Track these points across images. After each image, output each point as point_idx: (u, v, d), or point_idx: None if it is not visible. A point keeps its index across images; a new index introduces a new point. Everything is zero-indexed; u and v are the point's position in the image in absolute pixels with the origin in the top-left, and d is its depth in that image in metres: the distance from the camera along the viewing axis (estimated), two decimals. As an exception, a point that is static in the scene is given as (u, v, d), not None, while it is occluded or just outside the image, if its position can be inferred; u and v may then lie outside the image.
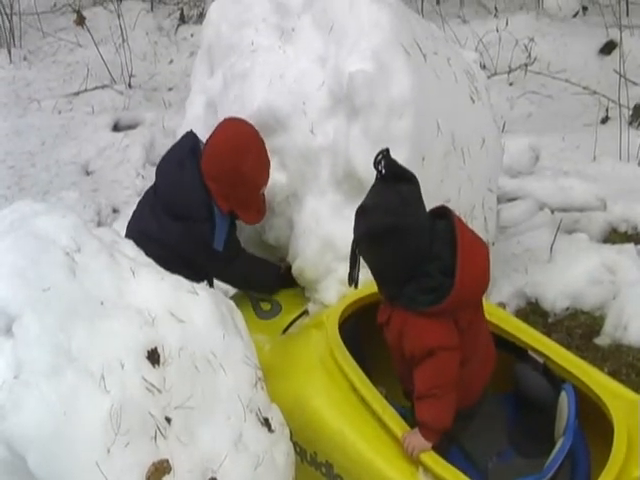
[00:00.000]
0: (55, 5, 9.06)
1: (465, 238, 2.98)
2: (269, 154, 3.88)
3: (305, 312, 3.88)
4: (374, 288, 3.25)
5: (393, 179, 2.91)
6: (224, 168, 3.73)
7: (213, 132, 3.85)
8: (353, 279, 3.11)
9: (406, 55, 3.82)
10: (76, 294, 2.75)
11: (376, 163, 2.92)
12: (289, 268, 3.97)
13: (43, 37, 8.51)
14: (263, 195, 3.94)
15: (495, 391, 3.41)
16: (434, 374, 3.01)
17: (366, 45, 3.79)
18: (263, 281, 4.03)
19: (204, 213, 3.77)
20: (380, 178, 2.94)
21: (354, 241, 3.02)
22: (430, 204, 3.59)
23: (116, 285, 2.87)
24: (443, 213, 3.08)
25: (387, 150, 2.91)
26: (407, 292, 2.98)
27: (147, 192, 4.02)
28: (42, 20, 8.65)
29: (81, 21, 8.07)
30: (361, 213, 2.97)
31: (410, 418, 3.18)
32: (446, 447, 3.16)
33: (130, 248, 3.17)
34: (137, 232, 3.74)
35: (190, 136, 3.93)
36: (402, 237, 2.90)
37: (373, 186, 2.98)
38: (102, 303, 2.79)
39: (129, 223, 3.97)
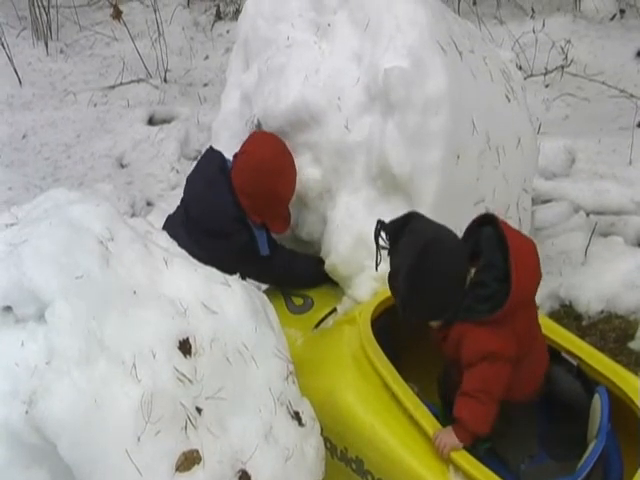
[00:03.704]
0: (92, -1, 9.13)
1: (514, 241, 2.99)
2: (303, 149, 3.89)
3: (334, 310, 3.87)
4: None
5: (398, 235, 3.01)
6: (261, 189, 3.79)
7: (244, 147, 3.90)
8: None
9: (442, 53, 3.80)
10: (109, 283, 2.75)
11: (377, 236, 3.04)
12: None
13: (80, 30, 8.55)
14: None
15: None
16: (485, 378, 3.00)
17: (402, 42, 3.76)
18: (304, 276, 4.04)
19: (239, 226, 3.81)
20: (391, 245, 3.04)
21: (400, 297, 3.08)
22: (465, 203, 3.60)
23: (149, 275, 2.87)
24: (488, 220, 3.09)
25: (379, 221, 3.05)
26: (465, 304, 3.00)
27: (176, 212, 4.04)
28: (79, 14, 8.70)
29: (118, 15, 8.09)
30: (396, 271, 3.02)
31: (442, 416, 3.16)
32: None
33: (164, 239, 3.17)
34: None
35: (215, 154, 3.97)
36: (442, 251, 2.97)
37: (390, 252, 3.05)
38: (135, 292, 2.78)
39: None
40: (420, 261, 2.93)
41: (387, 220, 3.07)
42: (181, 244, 3.54)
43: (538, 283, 3.10)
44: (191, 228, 3.81)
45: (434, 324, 3.15)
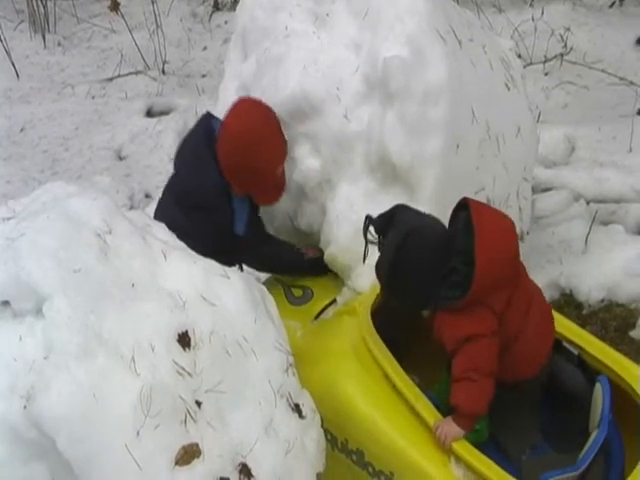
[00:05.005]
0: (90, -9, 9.09)
1: (482, 223, 3.02)
2: (302, 139, 3.87)
3: (334, 301, 3.86)
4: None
5: (387, 227, 3.08)
6: (238, 163, 3.71)
7: (227, 115, 3.78)
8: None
9: (442, 41, 3.78)
10: (107, 276, 2.74)
11: (365, 231, 3.13)
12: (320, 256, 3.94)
13: (77, 23, 8.52)
14: (282, 170, 3.90)
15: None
16: (470, 358, 3.02)
17: (401, 31, 3.74)
18: (293, 264, 4.00)
19: (222, 202, 3.76)
20: (380, 238, 3.11)
21: (383, 284, 3.19)
22: (465, 192, 3.58)
23: (147, 268, 2.85)
24: (464, 204, 3.12)
25: (367, 216, 3.14)
26: (441, 293, 3.03)
27: (170, 180, 4.00)
28: (76, 6, 8.66)
29: (115, 7, 8.04)
30: (381, 261, 3.11)
31: (443, 407, 3.16)
32: None
33: (162, 231, 3.15)
34: (163, 221, 3.61)
35: (204, 120, 3.89)
36: (420, 240, 3.02)
37: (379, 245, 3.13)
38: (133, 285, 2.77)
39: (155, 211, 3.93)
40: (400, 250, 2.99)
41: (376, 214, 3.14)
42: (169, 213, 3.60)
43: (511, 264, 3.08)
44: (179, 198, 3.79)
45: (425, 313, 3.17)
